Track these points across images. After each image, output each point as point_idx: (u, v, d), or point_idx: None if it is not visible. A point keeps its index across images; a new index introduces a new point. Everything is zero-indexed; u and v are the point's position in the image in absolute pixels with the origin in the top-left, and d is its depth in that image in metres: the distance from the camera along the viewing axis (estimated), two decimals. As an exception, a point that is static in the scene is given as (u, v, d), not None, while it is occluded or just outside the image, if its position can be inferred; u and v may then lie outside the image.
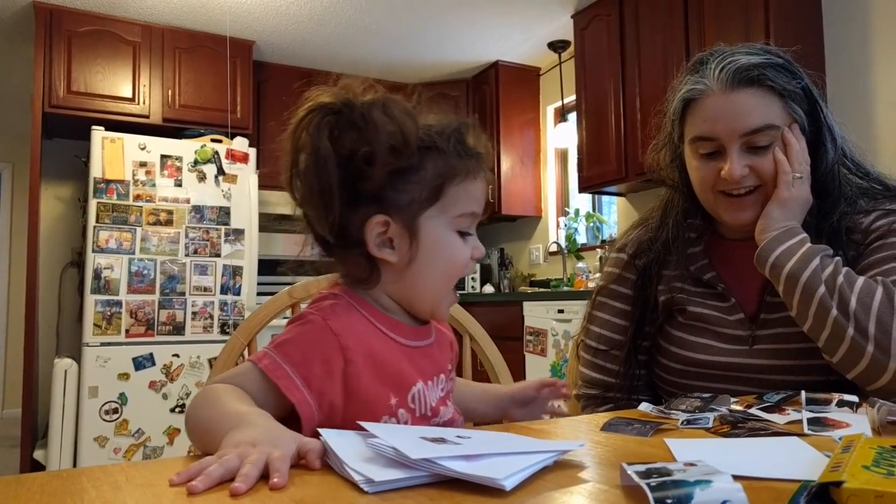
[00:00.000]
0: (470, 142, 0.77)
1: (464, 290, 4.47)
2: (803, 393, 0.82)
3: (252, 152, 3.71)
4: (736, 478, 0.45)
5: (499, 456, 0.54)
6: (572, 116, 4.08)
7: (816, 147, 1.02)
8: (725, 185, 1.01)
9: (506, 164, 4.35)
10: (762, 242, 0.98)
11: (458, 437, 0.58)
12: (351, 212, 0.72)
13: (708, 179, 1.04)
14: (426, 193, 0.73)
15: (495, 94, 4.41)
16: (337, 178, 0.70)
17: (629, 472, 0.48)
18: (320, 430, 0.58)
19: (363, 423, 0.58)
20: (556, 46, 4.08)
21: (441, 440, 0.56)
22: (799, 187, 0.99)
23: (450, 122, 0.76)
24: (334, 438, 0.57)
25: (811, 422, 0.71)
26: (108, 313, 3.26)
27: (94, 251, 3.26)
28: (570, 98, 4.03)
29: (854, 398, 0.80)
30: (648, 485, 0.44)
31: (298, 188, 0.74)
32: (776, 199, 0.99)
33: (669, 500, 0.43)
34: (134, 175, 3.38)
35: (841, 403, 0.79)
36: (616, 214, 4.01)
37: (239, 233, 3.60)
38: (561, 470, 0.56)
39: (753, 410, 0.79)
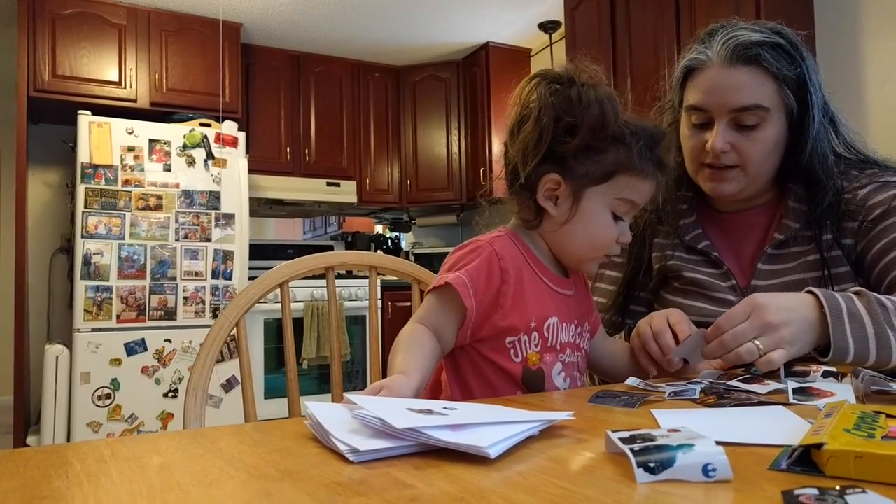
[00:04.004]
0: (658, 149, 0.87)
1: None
2: (781, 367, 0.83)
3: (241, 136, 3.68)
4: (720, 443, 0.45)
5: (484, 426, 0.54)
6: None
7: (801, 134, 1.03)
8: (707, 157, 1.04)
9: (497, 147, 4.34)
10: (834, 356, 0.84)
11: (445, 408, 0.58)
12: (537, 164, 0.86)
13: (696, 149, 1.07)
14: (599, 173, 0.85)
15: (486, 75, 4.38)
16: (549, 134, 0.84)
17: (613, 438, 0.48)
18: (307, 403, 0.58)
19: (350, 395, 0.58)
20: (547, 27, 4.05)
21: (427, 411, 0.56)
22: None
23: (647, 127, 0.87)
24: (320, 410, 0.57)
25: (796, 391, 0.72)
26: (99, 299, 3.24)
27: (83, 237, 3.23)
28: (561, 79, 4.01)
29: (835, 369, 0.81)
30: (632, 450, 0.45)
31: (517, 132, 0.88)
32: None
33: (652, 464, 0.43)
34: (122, 160, 3.34)
35: (826, 374, 0.80)
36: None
37: (229, 217, 3.58)
38: (546, 439, 0.56)
39: (733, 382, 0.79)
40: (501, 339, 0.86)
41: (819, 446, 0.43)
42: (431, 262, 4.54)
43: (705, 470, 0.43)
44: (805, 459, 0.45)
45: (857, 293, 0.87)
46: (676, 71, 1.09)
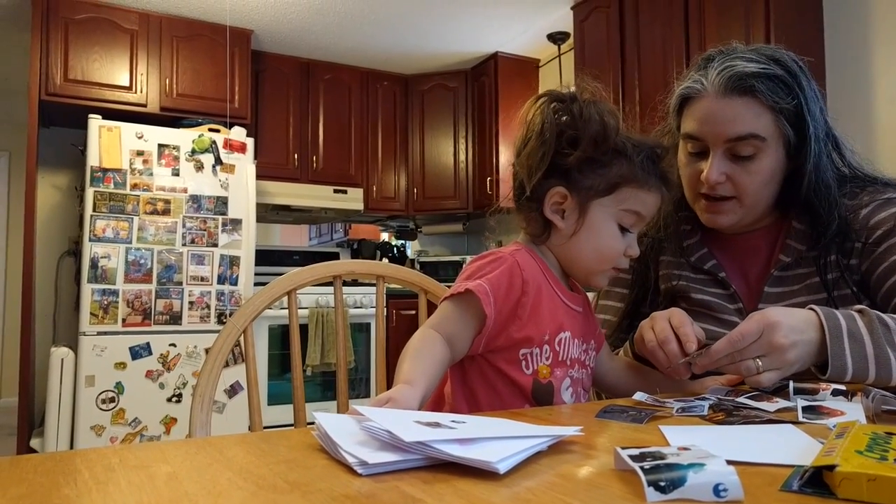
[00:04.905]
0: (661, 164, 0.89)
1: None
2: (791, 383, 0.82)
3: (250, 142, 3.69)
4: (730, 462, 0.45)
5: (493, 440, 0.54)
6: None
7: (800, 165, 1.01)
8: (703, 187, 1.03)
9: (504, 157, 4.35)
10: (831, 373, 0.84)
11: (454, 421, 0.58)
12: (543, 178, 0.88)
13: (692, 177, 1.06)
14: (603, 185, 0.87)
15: (494, 85, 4.39)
16: (552, 147, 0.86)
17: (623, 455, 0.48)
18: (315, 414, 0.58)
19: (358, 407, 0.58)
20: (556, 38, 4.06)
21: (436, 424, 0.56)
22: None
23: (649, 142, 0.90)
24: (328, 421, 0.57)
25: (805, 410, 0.71)
26: (105, 302, 3.25)
27: (90, 240, 3.24)
28: (569, 90, 4.02)
29: (844, 387, 0.80)
30: (642, 468, 0.44)
31: (523, 149, 0.91)
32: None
33: (663, 483, 0.43)
34: (131, 164, 3.36)
35: (836, 392, 0.79)
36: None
37: (236, 223, 3.59)
38: (555, 455, 0.56)
39: (741, 399, 0.79)
40: (515, 351, 0.87)
41: (831, 468, 0.43)
42: (437, 270, 4.54)
43: (716, 490, 0.43)
44: (817, 481, 0.45)
45: (859, 311, 0.86)
46: (673, 98, 1.09)
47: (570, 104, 0.88)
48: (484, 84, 4.49)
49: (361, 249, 4.83)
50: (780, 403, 0.76)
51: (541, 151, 0.88)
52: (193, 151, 3.51)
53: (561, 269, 0.94)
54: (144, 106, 3.74)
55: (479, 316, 0.84)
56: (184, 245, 3.44)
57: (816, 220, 1.03)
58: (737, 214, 1.04)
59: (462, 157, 4.62)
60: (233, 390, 3.46)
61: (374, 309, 3.86)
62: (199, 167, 3.52)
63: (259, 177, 3.88)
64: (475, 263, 0.91)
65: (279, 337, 3.77)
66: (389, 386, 0.75)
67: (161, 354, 3.36)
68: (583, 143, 0.86)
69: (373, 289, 3.82)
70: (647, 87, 3.15)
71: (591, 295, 1.18)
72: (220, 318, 3.50)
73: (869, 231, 1.00)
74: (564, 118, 0.87)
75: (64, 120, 3.81)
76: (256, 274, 3.68)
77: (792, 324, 0.82)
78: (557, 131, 0.87)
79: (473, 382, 0.89)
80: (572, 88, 0.90)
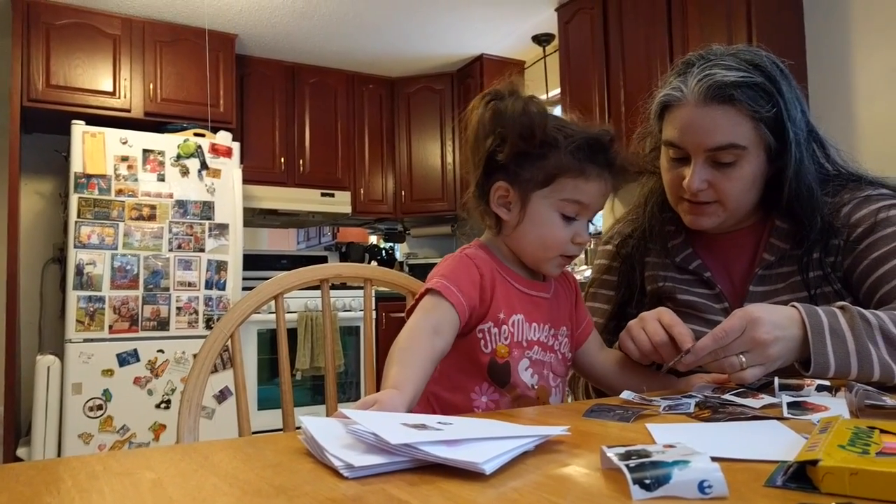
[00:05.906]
0: (605, 152, 0.90)
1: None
2: (777, 379, 0.83)
3: (236, 146, 3.68)
4: (715, 459, 0.45)
5: (480, 441, 0.54)
6: (557, 110, 4.07)
7: (782, 168, 1.02)
8: (685, 192, 1.04)
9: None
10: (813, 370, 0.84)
11: (440, 423, 0.58)
12: (486, 174, 0.93)
13: (674, 183, 1.07)
14: (541, 177, 0.90)
15: (480, 87, 4.40)
16: (487, 145, 0.90)
17: (609, 454, 0.48)
18: (301, 418, 0.58)
19: (345, 411, 0.58)
20: (541, 40, 4.08)
21: (422, 426, 0.56)
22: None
23: (587, 131, 0.90)
24: (314, 425, 0.57)
25: (790, 406, 0.72)
26: (91, 309, 3.22)
27: (75, 247, 3.22)
28: (555, 91, 4.04)
29: (829, 383, 0.81)
30: (627, 466, 0.44)
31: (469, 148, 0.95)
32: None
33: (648, 481, 0.43)
34: (115, 170, 3.33)
35: (820, 388, 0.80)
36: (601, 207, 4.02)
37: (223, 227, 3.57)
38: (542, 455, 0.56)
39: (727, 396, 0.80)
40: (473, 329, 0.91)
41: (814, 463, 0.44)
42: (425, 272, 4.48)
43: (701, 487, 0.43)
44: (800, 476, 0.45)
45: (841, 308, 0.87)
46: (654, 103, 1.08)
47: (499, 102, 0.90)
48: (470, 86, 4.49)
49: (350, 253, 4.82)
50: (766, 400, 0.76)
51: (477, 149, 0.92)
52: (179, 156, 3.49)
53: (518, 259, 0.98)
54: (128, 111, 3.71)
55: (449, 307, 0.87)
56: (170, 250, 3.42)
57: (799, 222, 1.04)
58: (719, 217, 1.05)
59: (449, 158, 4.62)
60: (222, 395, 3.44)
61: (363, 312, 3.85)
62: (185, 172, 3.50)
63: (245, 181, 3.87)
64: (436, 269, 0.95)
65: (268, 341, 3.76)
66: (379, 389, 0.75)
67: (149, 361, 3.33)
68: (510, 139, 0.88)
69: (361, 292, 3.81)
70: (632, 87, 3.17)
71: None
72: (209, 323, 3.47)
73: (850, 228, 1.01)
74: (494, 115, 0.90)
75: (46, 126, 3.77)
76: (244, 279, 3.66)
77: (774, 320, 0.82)
78: (490, 129, 0.90)
79: (441, 364, 0.91)
80: (510, 84, 0.92)
